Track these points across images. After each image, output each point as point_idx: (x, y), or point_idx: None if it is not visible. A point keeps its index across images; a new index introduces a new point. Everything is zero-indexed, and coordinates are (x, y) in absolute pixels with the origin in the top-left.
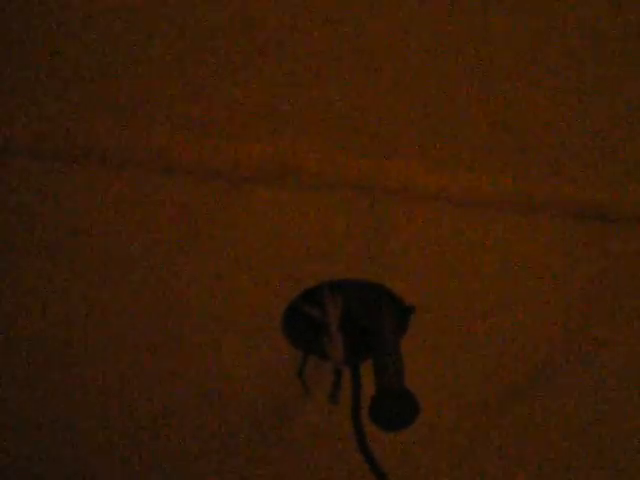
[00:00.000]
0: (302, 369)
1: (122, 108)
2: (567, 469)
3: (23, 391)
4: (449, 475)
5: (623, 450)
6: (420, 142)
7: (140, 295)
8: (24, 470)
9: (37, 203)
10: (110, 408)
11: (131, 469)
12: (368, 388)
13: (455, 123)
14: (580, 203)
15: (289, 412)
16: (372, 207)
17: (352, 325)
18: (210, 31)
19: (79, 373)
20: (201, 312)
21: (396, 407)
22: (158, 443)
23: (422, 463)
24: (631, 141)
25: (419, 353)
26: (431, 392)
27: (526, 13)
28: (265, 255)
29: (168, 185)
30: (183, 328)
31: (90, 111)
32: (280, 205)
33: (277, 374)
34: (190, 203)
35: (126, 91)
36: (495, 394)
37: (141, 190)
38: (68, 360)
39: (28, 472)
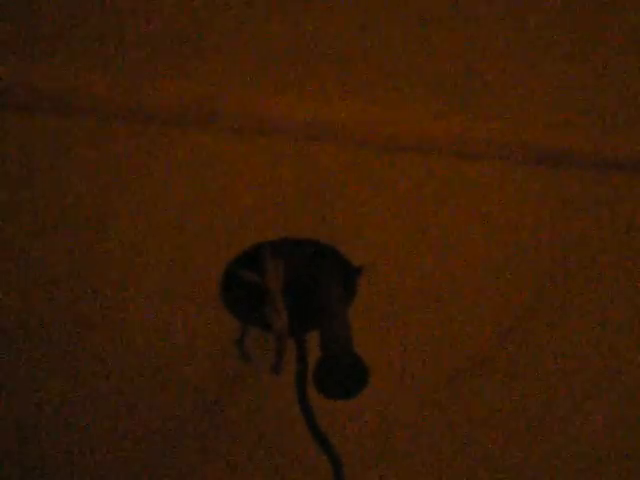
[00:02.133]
0: (241, 341)
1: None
2: (535, 431)
3: None
4: (404, 448)
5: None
6: (367, 82)
7: (65, 257)
8: None
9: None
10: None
11: (67, 449)
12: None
13: (409, 62)
14: (545, 149)
15: (230, 386)
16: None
17: (296, 291)
18: None
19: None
20: (129, 282)
21: (344, 373)
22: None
23: (368, 436)
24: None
25: (368, 318)
26: (380, 361)
27: None
28: (197, 212)
29: (86, 129)
30: (111, 297)
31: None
32: (213, 154)
33: (216, 346)
34: (113, 148)
35: (45, 29)
36: (454, 361)
37: (55, 134)
38: None
39: None
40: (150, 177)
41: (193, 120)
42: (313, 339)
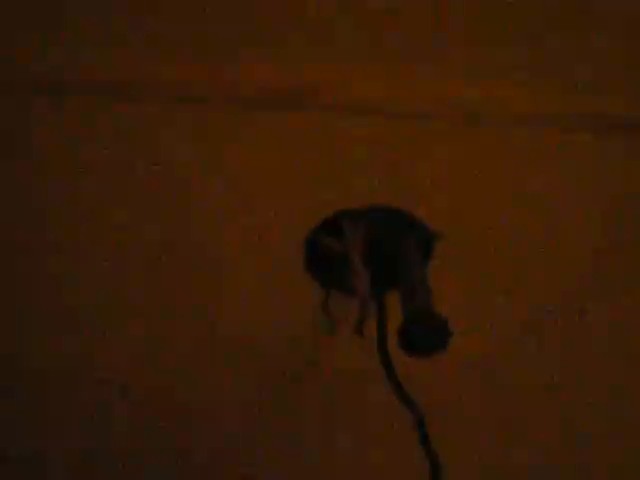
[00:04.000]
0: (325, 305)
1: (124, 41)
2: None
3: None
4: (479, 404)
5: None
6: (441, 63)
7: (151, 233)
8: None
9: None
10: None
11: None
12: (393, 321)
13: (468, 40)
14: (612, 117)
15: (315, 352)
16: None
17: (376, 255)
18: None
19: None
20: (216, 252)
21: (427, 330)
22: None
23: (451, 392)
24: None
25: (444, 281)
26: (457, 321)
27: None
28: (280, 184)
29: (178, 114)
30: (198, 271)
31: (87, 44)
32: (295, 130)
33: (300, 312)
34: (201, 131)
35: (125, 23)
36: (523, 319)
37: (151, 121)
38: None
39: None
40: (238, 154)
41: (279, 102)
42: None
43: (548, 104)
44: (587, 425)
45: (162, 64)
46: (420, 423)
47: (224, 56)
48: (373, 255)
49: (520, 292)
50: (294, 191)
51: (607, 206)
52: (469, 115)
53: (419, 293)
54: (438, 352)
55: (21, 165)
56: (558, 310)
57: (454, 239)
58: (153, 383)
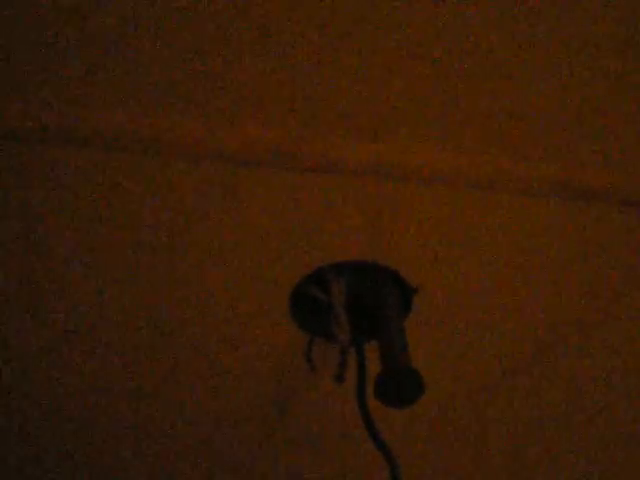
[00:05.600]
0: (309, 351)
1: (133, 96)
2: (564, 450)
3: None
4: (452, 452)
5: (616, 427)
6: (421, 126)
7: (146, 278)
8: None
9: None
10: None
11: (137, 449)
12: (373, 367)
13: (455, 108)
14: (578, 186)
15: (296, 393)
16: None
17: (357, 306)
18: (217, 17)
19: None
20: (207, 296)
21: (402, 384)
22: (164, 424)
23: (425, 439)
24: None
25: (422, 332)
26: (435, 370)
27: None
28: (271, 238)
29: (176, 168)
30: (188, 312)
31: (104, 100)
32: (285, 188)
33: (284, 356)
34: (198, 185)
35: (135, 79)
36: (495, 372)
37: (144, 173)
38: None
39: None
40: (229, 210)
41: (271, 161)
42: (373, 348)
43: (520, 171)
44: None
45: (155, 118)
46: (395, 473)
47: (215, 114)
48: (355, 306)
49: (485, 349)
50: (282, 245)
51: (576, 275)
52: (447, 180)
53: (396, 347)
54: (411, 404)
55: None
56: (512, 370)
57: (432, 294)
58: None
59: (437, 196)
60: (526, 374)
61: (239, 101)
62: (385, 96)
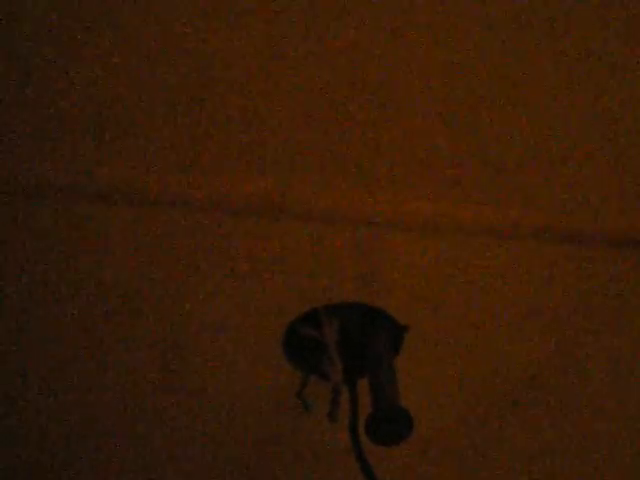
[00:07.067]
0: (302, 389)
1: (122, 150)
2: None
3: None
4: None
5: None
6: (408, 176)
7: (144, 320)
8: None
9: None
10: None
11: None
12: (366, 405)
13: (440, 157)
14: (562, 230)
15: (289, 431)
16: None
17: (349, 345)
18: (203, 76)
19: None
20: (201, 338)
21: (391, 423)
22: (157, 457)
23: (419, 475)
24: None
25: (413, 370)
26: (425, 407)
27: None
28: (266, 281)
29: (162, 219)
30: (182, 351)
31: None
32: (277, 235)
33: (278, 394)
34: (187, 235)
35: (126, 134)
36: (486, 408)
37: (135, 225)
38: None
39: None
40: (223, 261)
41: (262, 212)
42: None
43: (502, 216)
44: None
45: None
46: None
47: (209, 167)
48: (347, 345)
49: (475, 386)
50: (277, 286)
51: (564, 314)
52: (433, 226)
53: (386, 387)
54: (401, 442)
55: None
56: (503, 407)
57: (421, 333)
58: None
59: (424, 242)
60: (518, 409)
61: (225, 152)
62: (361, 146)
